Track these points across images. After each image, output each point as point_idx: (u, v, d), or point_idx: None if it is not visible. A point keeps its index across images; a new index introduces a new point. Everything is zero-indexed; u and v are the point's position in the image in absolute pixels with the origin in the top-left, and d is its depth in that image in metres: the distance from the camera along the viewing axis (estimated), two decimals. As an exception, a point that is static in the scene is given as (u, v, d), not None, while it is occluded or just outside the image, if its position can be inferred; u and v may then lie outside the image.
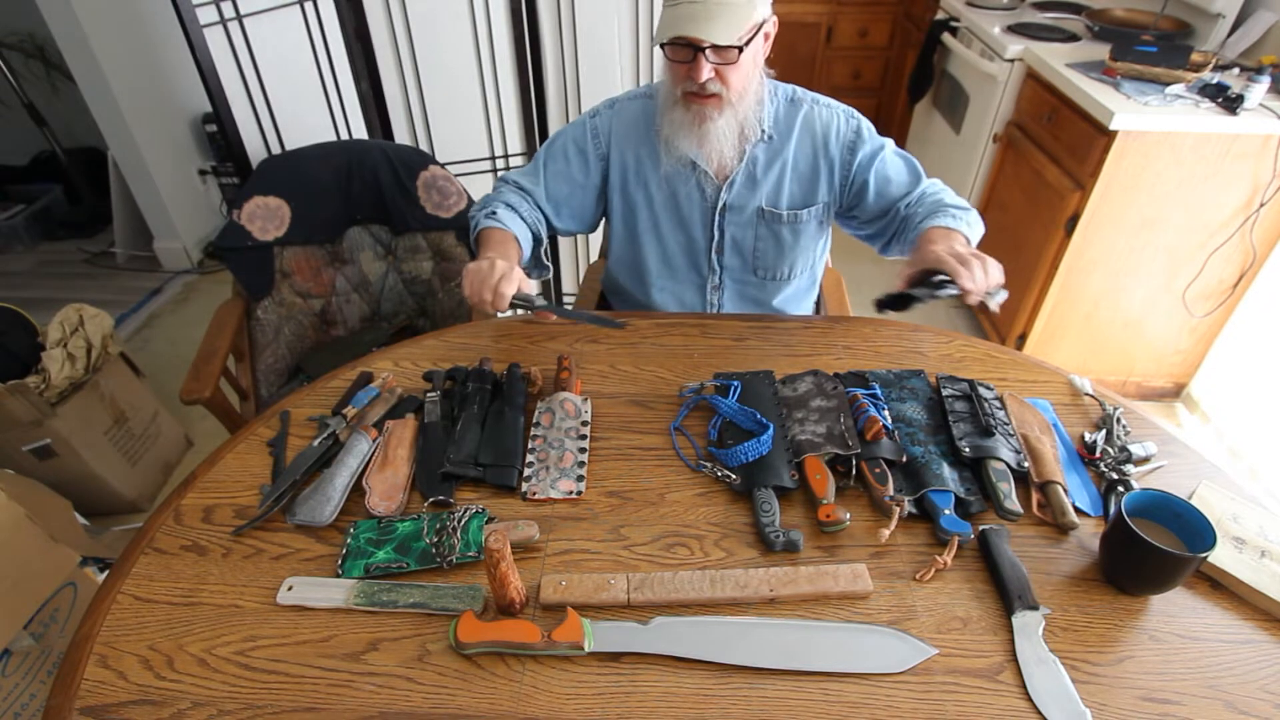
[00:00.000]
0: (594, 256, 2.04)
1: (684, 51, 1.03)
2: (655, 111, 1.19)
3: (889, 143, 1.23)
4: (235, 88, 1.58)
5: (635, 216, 1.28)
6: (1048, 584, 0.78)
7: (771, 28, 1.10)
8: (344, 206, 1.57)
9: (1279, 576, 0.76)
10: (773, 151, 1.20)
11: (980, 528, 0.82)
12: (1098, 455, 0.92)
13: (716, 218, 1.24)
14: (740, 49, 1.03)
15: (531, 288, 1.06)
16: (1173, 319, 2.07)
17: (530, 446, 0.95)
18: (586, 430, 0.97)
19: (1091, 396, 1.03)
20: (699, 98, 1.08)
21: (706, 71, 1.04)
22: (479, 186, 1.99)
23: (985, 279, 0.96)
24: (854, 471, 0.89)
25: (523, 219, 1.22)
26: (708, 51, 1.02)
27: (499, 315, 1.04)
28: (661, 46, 1.06)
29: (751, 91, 1.12)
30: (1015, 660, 0.70)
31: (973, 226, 1.14)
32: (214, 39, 1.50)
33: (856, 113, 1.23)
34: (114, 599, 0.77)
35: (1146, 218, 1.88)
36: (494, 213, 1.18)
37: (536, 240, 1.25)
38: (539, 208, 1.26)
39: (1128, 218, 1.88)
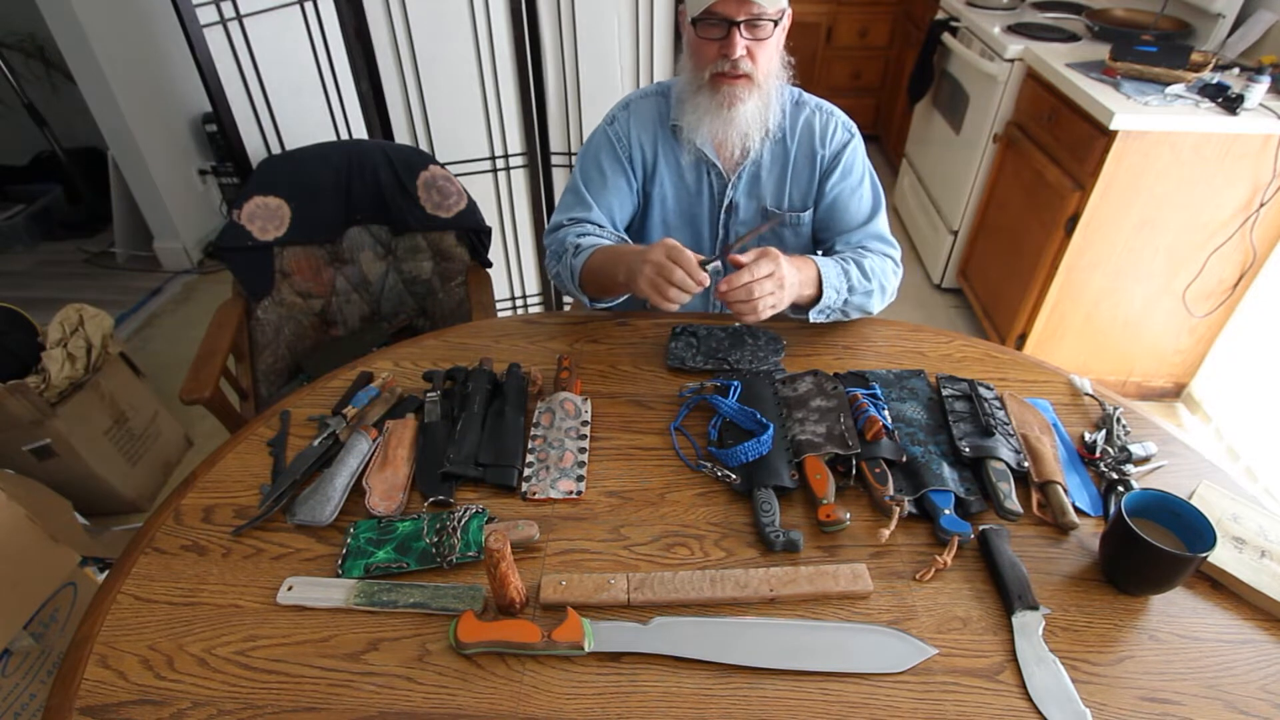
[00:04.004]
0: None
1: (717, 28, 1.03)
2: (669, 108, 1.19)
3: (869, 173, 1.21)
4: (235, 88, 1.58)
5: (649, 214, 1.27)
6: (1048, 584, 0.78)
7: (788, 21, 1.09)
8: (344, 206, 1.57)
9: (1279, 576, 0.76)
10: (777, 152, 1.20)
11: (980, 528, 0.82)
12: (1098, 455, 0.92)
13: (722, 216, 1.24)
14: (775, 22, 1.03)
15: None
16: (1173, 319, 2.07)
17: (530, 446, 0.95)
18: (586, 430, 0.97)
19: (1091, 396, 1.03)
20: (729, 78, 1.06)
21: (740, 47, 1.03)
22: (479, 186, 1.99)
23: (736, 289, 0.94)
24: (854, 471, 0.89)
25: (596, 234, 1.17)
26: (741, 27, 1.01)
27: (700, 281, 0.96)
28: (693, 23, 1.05)
29: (775, 76, 1.12)
30: (1015, 660, 0.70)
31: (851, 294, 1.10)
32: (214, 39, 1.50)
33: (855, 128, 1.21)
34: (114, 599, 0.77)
35: (1146, 218, 1.88)
36: (578, 247, 1.12)
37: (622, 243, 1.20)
38: (602, 227, 1.21)
39: (1128, 218, 1.88)
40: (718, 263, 1.02)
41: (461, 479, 0.91)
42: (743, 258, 0.97)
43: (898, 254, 1.21)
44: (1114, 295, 2.04)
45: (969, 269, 2.61)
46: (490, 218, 1.85)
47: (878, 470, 0.88)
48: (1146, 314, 2.07)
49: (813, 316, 1.10)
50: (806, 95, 1.21)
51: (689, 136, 1.15)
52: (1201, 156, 1.77)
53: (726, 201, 1.22)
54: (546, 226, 1.26)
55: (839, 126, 1.20)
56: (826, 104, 1.21)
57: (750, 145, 1.16)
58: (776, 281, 0.96)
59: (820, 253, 1.25)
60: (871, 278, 1.12)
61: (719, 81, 1.07)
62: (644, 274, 0.96)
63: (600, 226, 1.20)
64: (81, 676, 0.70)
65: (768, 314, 0.97)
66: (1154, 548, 0.71)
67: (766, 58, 1.07)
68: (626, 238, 1.24)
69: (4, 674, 1.27)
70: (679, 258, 0.94)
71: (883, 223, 1.21)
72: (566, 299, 2.36)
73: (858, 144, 1.21)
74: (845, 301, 1.11)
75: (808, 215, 1.24)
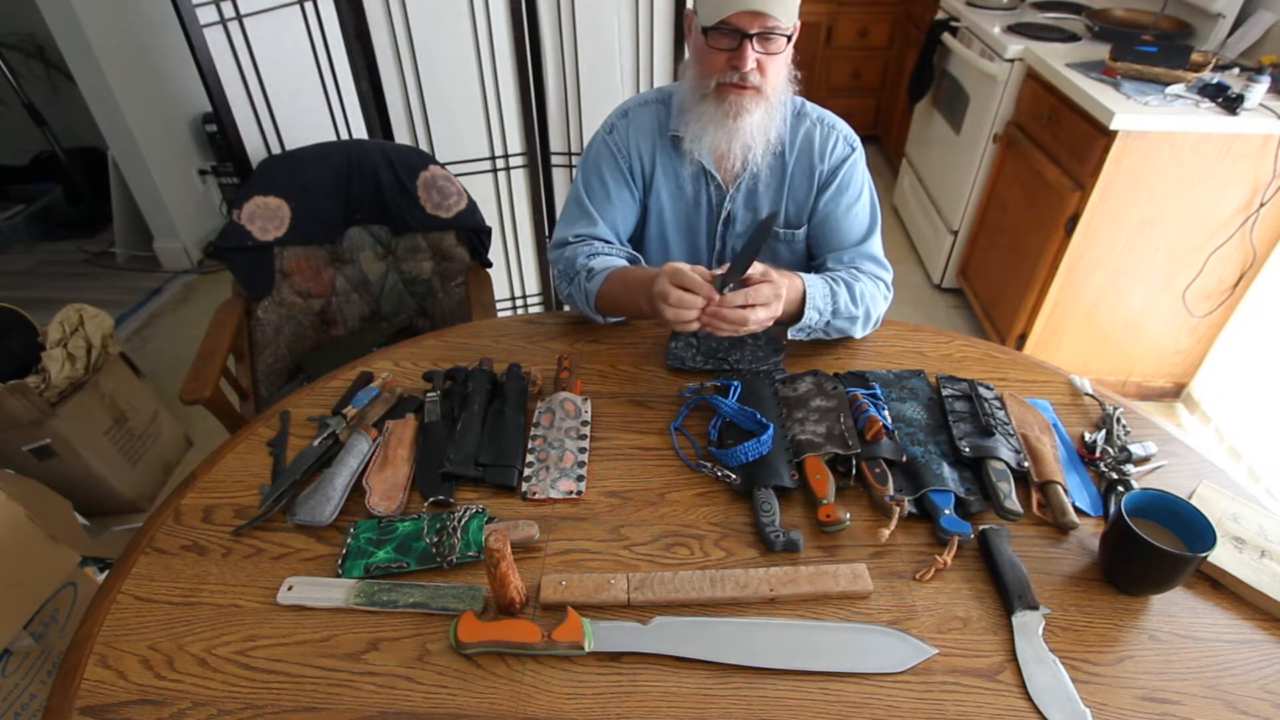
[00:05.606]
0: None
1: (728, 39, 1.00)
2: (669, 116, 1.16)
3: (867, 191, 1.18)
4: (235, 88, 1.58)
5: (646, 224, 1.24)
6: (1048, 584, 0.78)
7: (797, 34, 1.07)
8: (344, 206, 1.57)
9: (1279, 576, 0.76)
10: (775, 166, 1.17)
11: (980, 528, 0.82)
12: (1098, 455, 0.92)
13: (720, 228, 1.22)
14: (788, 37, 1.01)
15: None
16: (1173, 319, 2.07)
17: (530, 446, 0.95)
18: (586, 430, 0.97)
19: (1091, 396, 1.03)
20: (737, 88, 1.03)
21: (751, 60, 1.00)
22: (479, 186, 1.99)
23: (732, 311, 0.92)
24: (854, 471, 0.89)
25: (606, 253, 1.16)
26: (754, 40, 0.99)
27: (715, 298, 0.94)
28: (704, 31, 1.02)
29: (782, 90, 1.09)
30: (1015, 660, 0.70)
31: (834, 318, 1.07)
32: (214, 39, 1.50)
33: (857, 142, 1.18)
34: (114, 599, 0.77)
35: (1146, 218, 1.88)
36: (590, 271, 1.11)
37: (633, 260, 1.18)
38: (609, 243, 1.19)
39: (1128, 218, 1.88)
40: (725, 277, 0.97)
41: (461, 479, 0.91)
42: (752, 272, 0.95)
43: (889, 277, 1.18)
44: (1114, 295, 2.04)
45: (969, 269, 2.61)
46: (490, 218, 1.85)
47: (878, 470, 0.88)
48: (1146, 314, 2.07)
49: (791, 334, 1.08)
50: (810, 106, 1.18)
51: (690, 147, 1.12)
52: (1201, 156, 1.77)
53: (724, 213, 1.20)
54: (551, 239, 1.23)
55: (839, 141, 1.16)
56: (830, 116, 1.18)
57: (751, 157, 1.12)
58: (770, 308, 0.95)
59: (812, 268, 1.23)
60: (859, 303, 1.09)
61: (725, 91, 1.04)
62: (659, 307, 0.95)
63: (607, 243, 1.18)
64: (81, 676, 0.70)
65: (745, 331, 0.95)
66: (1154, 548, 0.71)
67: (776, 71, 1.04)
68: (636, 254, 1.21)
69: (4, 674, 1.27)
70: (681, 280, 0.93)
71: (877, 244, 1.18)
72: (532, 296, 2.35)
73: (858, 159, 1.17)
74: (827, 324, 1.09)
75: (802, 232, 1.21)
